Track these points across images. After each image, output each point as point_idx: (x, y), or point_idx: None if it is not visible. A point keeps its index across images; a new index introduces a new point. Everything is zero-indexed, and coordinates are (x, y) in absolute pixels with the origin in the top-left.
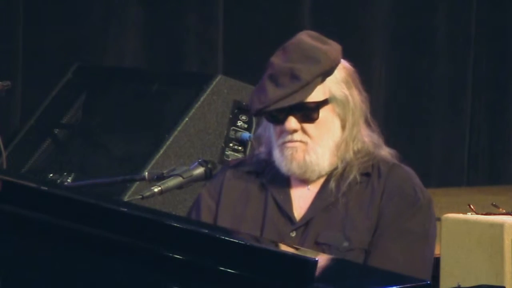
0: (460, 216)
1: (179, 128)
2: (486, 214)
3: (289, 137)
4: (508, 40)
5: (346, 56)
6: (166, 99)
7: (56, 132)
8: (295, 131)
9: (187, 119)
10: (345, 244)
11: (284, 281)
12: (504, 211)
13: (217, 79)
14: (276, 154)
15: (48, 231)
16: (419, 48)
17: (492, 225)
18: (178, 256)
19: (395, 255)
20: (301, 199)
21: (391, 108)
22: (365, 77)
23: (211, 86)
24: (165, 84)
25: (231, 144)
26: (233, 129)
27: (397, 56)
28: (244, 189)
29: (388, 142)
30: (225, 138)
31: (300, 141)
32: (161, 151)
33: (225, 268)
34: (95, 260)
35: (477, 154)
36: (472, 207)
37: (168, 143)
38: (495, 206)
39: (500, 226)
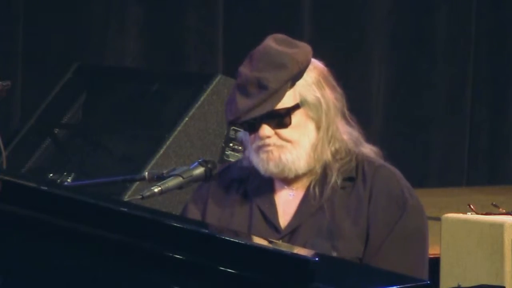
0: (460, 216)
1: (179, 128)
2: (486, 214)
3: (262, 142)
4: (508, 40)
5: (346, 56)
6: (166, 99)
7: (56, 132)
8: (268, 137)
9: (187, 119)
10: (333, 254)
11: (284, 281)
12: (504, 211)
13: (217, 79)
14: (253, 157)
15: (48, 231)
16: (419, 48)
17: (492, 225)
18: (178, 256)
19: (396, 262)
20: (286, 206)
21: (391, 108)
22: (365, 77)
23: (211, 86)
24: (165, 84)
25: (231, 144)
26: (233, 129)
27: (397, 56)
28: (229, 199)
29: (388, 142)
30: (225, 138)
31: (275, 145)
32: (161, 151)
33: (225, 268)
34: (95, 260)
35: (477, 154)
36: (472, 207)
37: (168, 143)
38: (495, 206)
39: (500, 226)
